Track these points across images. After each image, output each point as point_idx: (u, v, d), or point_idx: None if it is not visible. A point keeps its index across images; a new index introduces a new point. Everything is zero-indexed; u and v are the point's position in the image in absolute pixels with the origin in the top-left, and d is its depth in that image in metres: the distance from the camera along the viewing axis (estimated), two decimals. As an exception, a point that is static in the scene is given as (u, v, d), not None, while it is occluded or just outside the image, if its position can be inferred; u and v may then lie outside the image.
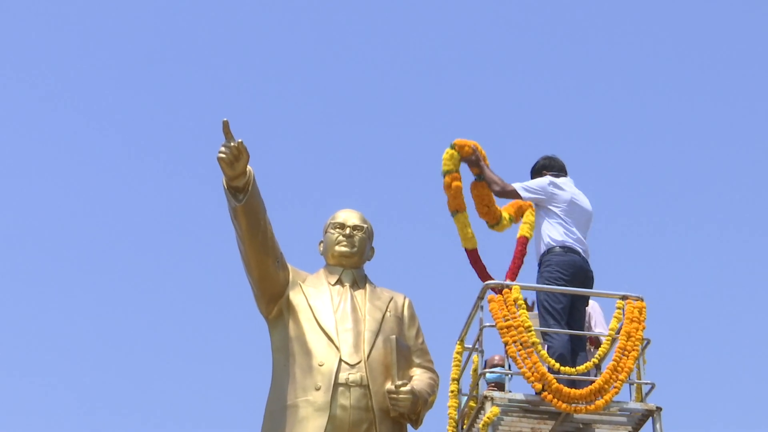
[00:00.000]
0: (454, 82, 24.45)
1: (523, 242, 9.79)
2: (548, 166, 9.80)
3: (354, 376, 8.38)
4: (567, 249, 9.24)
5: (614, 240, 22.08)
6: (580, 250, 9.29)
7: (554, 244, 9.27)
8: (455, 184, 9.48)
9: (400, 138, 24.14)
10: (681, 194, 23.46)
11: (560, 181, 9.57)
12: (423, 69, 24.66)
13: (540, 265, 9.35)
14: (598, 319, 9.67)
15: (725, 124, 23.86)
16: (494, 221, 9.91)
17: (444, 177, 9.53)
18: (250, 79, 24.91)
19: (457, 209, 9.57)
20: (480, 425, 8.35)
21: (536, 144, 22.86)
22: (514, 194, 9.51)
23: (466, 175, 9.76)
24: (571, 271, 9.16)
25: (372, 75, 24.89)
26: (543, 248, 9.34)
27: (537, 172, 9.82)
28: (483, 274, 9.57)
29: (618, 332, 8.66)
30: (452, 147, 9.53)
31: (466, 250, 9.67)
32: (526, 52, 24.50)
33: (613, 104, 24.11)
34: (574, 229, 9.34)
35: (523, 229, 9.92)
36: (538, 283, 9.21)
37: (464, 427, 8.96)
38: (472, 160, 9.57)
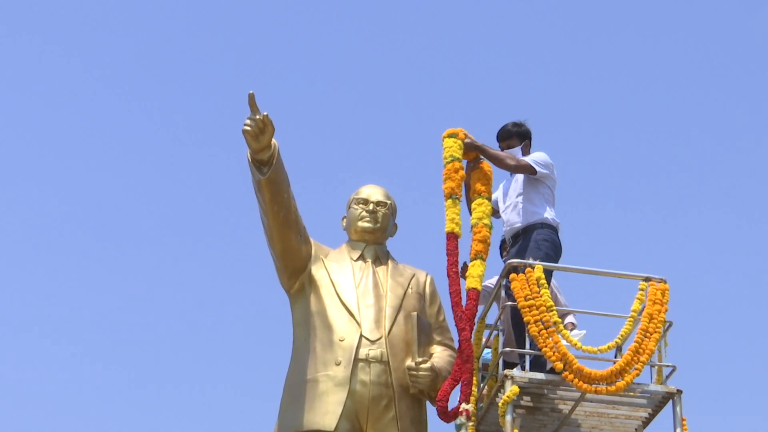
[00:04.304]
0: (481, 61, 24.39)
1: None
2: (521, 134, 9.44)
3: (374, 351, 8.38)
4: (556, 231, 9.17)
5: (637, 222, 22.00)
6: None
7: (550, 221, 9.15)
8: (462, 173, 9.22)
9: (425, 114, 24.08)
10: (705, 176, 23.33)
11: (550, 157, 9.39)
12: (450, 47, 24.60)
13: (525, 230, 9.13)
14: (560, 297, 9.51)
15: (749, 106, 23.71)
16: (489, 195, 9.52)
17: (452, 162, 9.16)
18: (275, 53, 24.89)
19: (456, 194, 9.18)
20: (500, 404, 8.34)
21: (556, 126, 22.73)
22: (528, 168, 9.16)
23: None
24: (558, 253, 9.11)
25: (401, 50, 24.83)
26: (535, 219, 9.09)
27: (505, 138, 9.45)
28: (454, 264, 8.87)
29: (640, 314, 8.64)
30: (451, 136, 9.20)
31: (452, 234, 8.96)
32: (549, 35, 24.41)
33: (634, 83, 23.97)
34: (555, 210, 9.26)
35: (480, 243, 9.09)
36: (528, 251, 9.02)
37: (483, 405, 8.95)
38: (470, 144, 9.20)
